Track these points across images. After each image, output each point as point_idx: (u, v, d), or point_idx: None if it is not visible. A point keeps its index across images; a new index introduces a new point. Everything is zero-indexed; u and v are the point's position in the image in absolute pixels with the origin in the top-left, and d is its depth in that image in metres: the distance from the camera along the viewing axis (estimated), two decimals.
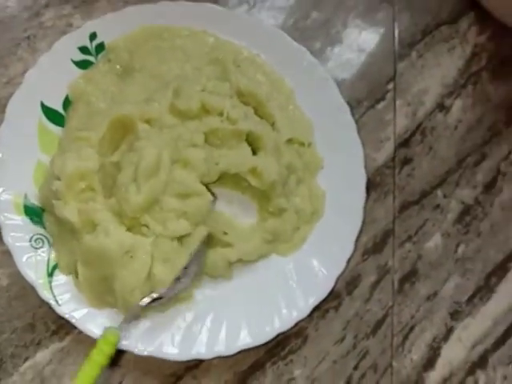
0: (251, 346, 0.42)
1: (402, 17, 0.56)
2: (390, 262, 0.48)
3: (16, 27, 0.50)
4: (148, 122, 0.43)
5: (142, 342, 0.41)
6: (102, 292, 0.41)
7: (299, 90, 0.49)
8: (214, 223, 0.44)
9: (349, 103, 0.48)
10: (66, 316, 0.41)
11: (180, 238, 0.42)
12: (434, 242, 0.49)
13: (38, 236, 0.42)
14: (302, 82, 0.49)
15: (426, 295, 0.48)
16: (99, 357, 0.38)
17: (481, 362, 0.47)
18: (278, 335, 0.43)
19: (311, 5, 0.55)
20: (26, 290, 0.42)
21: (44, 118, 0.45)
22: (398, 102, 0.53)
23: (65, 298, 0.41)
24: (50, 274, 0.42)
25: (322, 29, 0.54)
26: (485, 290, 0.48)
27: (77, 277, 0.41)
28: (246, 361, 0.44)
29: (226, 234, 0.44)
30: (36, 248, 0.42)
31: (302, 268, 0.45)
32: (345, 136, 0.48)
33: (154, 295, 0.40)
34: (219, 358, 0.42)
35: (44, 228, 0.43)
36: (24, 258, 0.41)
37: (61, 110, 0.46)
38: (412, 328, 0.47)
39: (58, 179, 0.41)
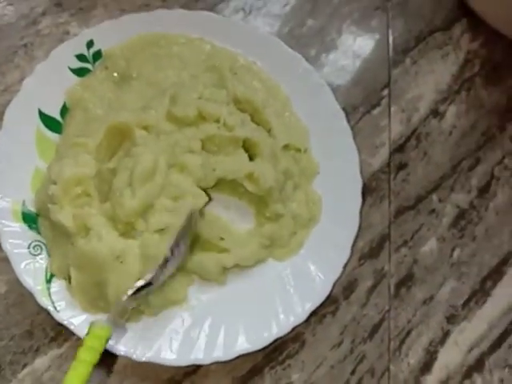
0: (249, 351, 0.42)
1: (396, 24, 0.56)
2: (386, 267, 0.48)
3: (13, 35, 0.50)
4: (145, 128, 0.44)
5: (139, 347, 0.41)
6: (94, 297, 0.41)
7: (295, 97, 0.49)
8: (210, 228, 0.44)
9: (344, 109, 0.49)
10: (65, 322, 0.41)
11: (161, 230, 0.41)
12: (430, 246, 0.50)
13: (37, 243, 0.42)
14: (297, 89, 0.49)
15: (422, 299, 0.48)
16: (89, 355, 0.37)
17: (477, 366, 0.47)
18: (275, 340, 0.43)
19: (306, 12, 0.55)
20: (24, 296, 0.42)
21: (42, 126, 0.45)
22: (392, 108, 0.53)
23: (63, 304, 0.41)
24: (49, 281, 0.42)
25: (317, 36, 0.55)
26: (480, 293, 0.49)
27: (69, 281, 0.41)
28: (244, 366, 0.44)
29: (222, 239, 0.44)
30: (34, 255, 0.42)
31: (299, 273, 0.45)
32: (340, 142, 0.48)
33: (139, 283, 0.39)
34: (217, 363, 0.42)
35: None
36: (22, 265, 0.41)
37: (58, 118, 0.46)
38: (409, 332, 0.47)
39: (55, 184, 0.41)
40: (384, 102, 0.53)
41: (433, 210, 0.51)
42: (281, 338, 0.43)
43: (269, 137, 0.46)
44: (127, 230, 0.41)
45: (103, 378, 0.42)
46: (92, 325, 0.39)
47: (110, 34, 0.48)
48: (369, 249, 0.49)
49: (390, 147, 0.52)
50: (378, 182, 0.51)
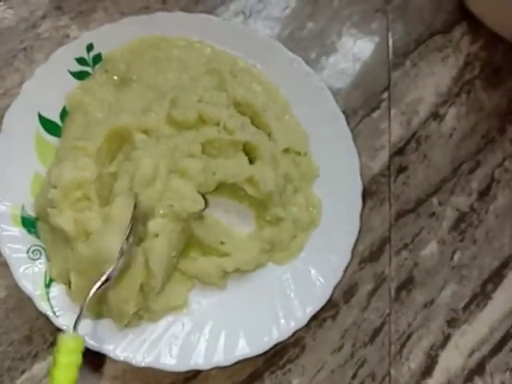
0: (249, 355, 0.42)
1: (396, 26, 0.56)
2: (386, 270, 0.48)
3: (13, 38, 0.50)
4: (145, 132, 0.44)
5: (139, 352, 0.41)
6: (94, 301, 0.41)
7: (295, 100, 0.49)
8: (211, 233, 0.44)
9: (344, 112, 0.49)
10: (64, 327, 0.40)
11: None
12: (430, 249, 0.49)
13: (36, 247, 0.42)
14: (297, 92, 0.49)
15: (422, 303, 0.48)
16: (66, 373, 0.34)
17: (478, 369, 0.47)
18: (275, 345, 0.42)
19: (306, 15, 0.55)
20: (23, 301, 0.42)
21: (41, 129, 0.45)
22: (392, 111, 0.53)
23: (62, 309, 0.41)
24: (48, 286, 0.41)
25: (317, 39, 0.55)
26: (481, 296, 0.49)
27: (69, 286, 0.41)
28: (244, 371, 0.44)
29: (223, 243, 0.44)
30: (33, 259, 0.42)
31: (299, 277, 0.45)
32: (340, 145, 0.48)
33: (102, 279, 0.38)
34: (217, 368, 0.41)
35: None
36: (21, 270, 0.41)
37: (58, 121, 0.46)
38: (409, 336, 0.47)
39: (55, 188, 0.41)
40: (384, 104, 0.53)
41: (433, 213, 0.51)
42: (281, 342, 0.43)
43: (269, 140, 0.46)
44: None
45: (102, 383, 0.42)
46: (61, 338, 0.35)
47: (110, 37, 0.48)
48: (369, 252, 0.48)
49: (390, 150, 0.52)
50: (378, 185, 0.51)
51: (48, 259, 0.42)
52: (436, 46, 0.56)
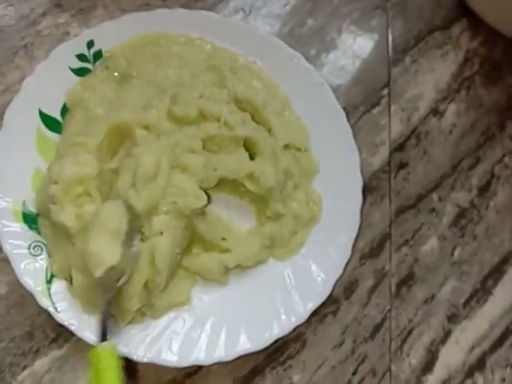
0: (250, 351, 0.42)
1: (396, 23, 0.57)
2: (387, 266, 0.48)
3: (13, 35, 0.50)
4: (146, 128, 0.44)
5: (140, 348, 0.41)
6: (96, 297, 0.41)
7: (295, 96, 0.49)
8: (212, 229, 0.44)
9: (344, 108, 0.49)
10: (65, 323, 0.40)
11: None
12: (431, 245, 0.50)
13: (37, 243, 0.42)
14: (297, 88, 0.49)
15: (423, 299, 0.48)
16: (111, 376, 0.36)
17: (479, 365, 0.47)
18: (276, 340, 0.43)
19: (306, 12, 0.55)
20: (24, 297, 0.42)
21: (42, 126, 0.45)
22: (392, 107, 0.53)
23: (64, 304, 0.41)
24: (49, 281, 0.41)
25: (317, 35, 0.55)
26: (481, 292, 0.49)
27: (71, 282, 0.41)
28: (245, 366, 0.44)
29: (224, 239, 0.44)
30: (34, 255, 0.42)
31: (300, 273, 0.45)
32: (341, 141, 0.48)
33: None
34: (218, 363, 0.41)
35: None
36: (22, 265, 0.41)
37: (59, 118, 0.46)
38: (410, 332, 0.47)
39: (56, 184, 0.41)
40: (384, 101, 0.53)
41: (433, 209, 0.51)
42: (282, 338, 0.43)
43: (269, 136, 0.46)
44: None
45: None
46: (97, 348, 0.37)
47: (111, 33, 0.48)
48: (369, 248, 0.49)
49: (390, 146, 0.52)
50: (378, 181, 0.51)
51: (49, 255, 0.42)
52: (436, 42, 0.56)
